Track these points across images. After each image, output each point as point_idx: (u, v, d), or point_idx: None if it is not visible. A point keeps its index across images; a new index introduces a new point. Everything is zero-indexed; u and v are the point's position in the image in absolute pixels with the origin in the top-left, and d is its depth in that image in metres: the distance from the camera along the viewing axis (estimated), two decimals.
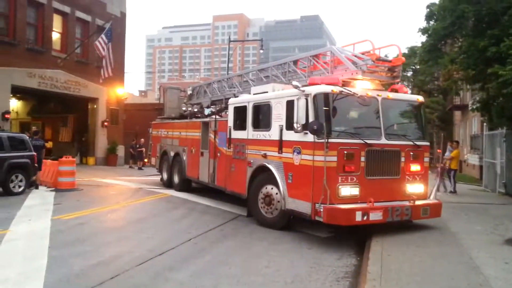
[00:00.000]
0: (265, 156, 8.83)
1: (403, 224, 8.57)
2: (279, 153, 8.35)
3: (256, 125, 9.40)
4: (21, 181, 12.89)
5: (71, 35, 22.99)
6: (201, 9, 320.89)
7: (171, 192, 13.81)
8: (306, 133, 7.48)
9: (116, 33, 23.24)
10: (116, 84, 25.53)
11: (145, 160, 22.06)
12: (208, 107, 13.69)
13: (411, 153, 8.13)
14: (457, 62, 16.03)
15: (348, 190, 7.35)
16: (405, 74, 42.04)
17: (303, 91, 7.61)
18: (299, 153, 7.79)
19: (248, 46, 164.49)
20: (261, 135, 9.10)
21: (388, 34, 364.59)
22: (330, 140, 7.18)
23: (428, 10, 16.86)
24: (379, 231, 7.92)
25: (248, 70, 13.78)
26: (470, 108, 21.31)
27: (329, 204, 7.09)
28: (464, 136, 29.93)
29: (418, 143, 8.27)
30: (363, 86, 8.20)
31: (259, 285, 5.45)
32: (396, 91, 8.55)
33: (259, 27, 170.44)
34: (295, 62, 10.49)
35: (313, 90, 7.61)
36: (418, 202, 7.96)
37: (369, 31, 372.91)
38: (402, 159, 8.00)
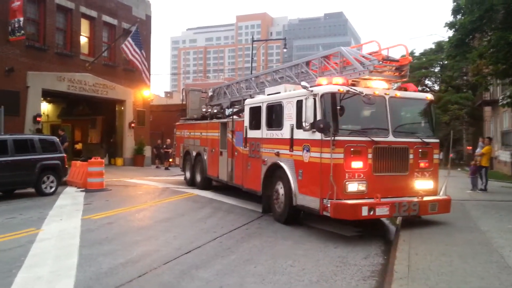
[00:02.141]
0: (277, 154, 9.21)
1: (432, 222, 8.48)
2: (290, 151, 8.69)
3: (270, 125, 9.78)
4: (52, 182, 13.30)
5: (98, 39, 23.51)
6: (225, 9, 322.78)
7: (197, 192, 13.96)
8: (314, 131, 7.75)
9: (142, 36, 23.60)
10: (143, 86, 25.95)
11: (170, 160, 22.44)
12: (228, 107, 13.92)
13: (420, 150, 8.24)
14: (486, 56, 15.59)
15: (355, 186, 7.54)
16: (432, 69, 41.26)
17: (311, 91, 7.91)
18: (308, 150, 8.07)
19: (271, 45, 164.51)
20: (274, 134, 9.49)
21: (414, 29, 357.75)
22: (336, 138, 7.41)
23: (455, 4, 16.42)
24: (406, 229, 7.84)
25: (264, 72, 14.25)
26: (500, 104, 20.69)
27: (336, 199, 7.30)
28: (495, 132, 29.07)
29: (427, 140, 8.39)
30: (372, 85, 8.37)
31: (284, 283, 5.45)
32: (405, 89, 8.75)
33: (282, 26, 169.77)
34: (307, 63, 10.73)
35: (320, 90, 7.87)
36: (426, 198, 8.07)
37: (394, 26, 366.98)
38: (411, 156, 8.12)
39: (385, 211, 7.52)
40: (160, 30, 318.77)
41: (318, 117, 7.70)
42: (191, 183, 15.51)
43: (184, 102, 17.37)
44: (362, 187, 7.58)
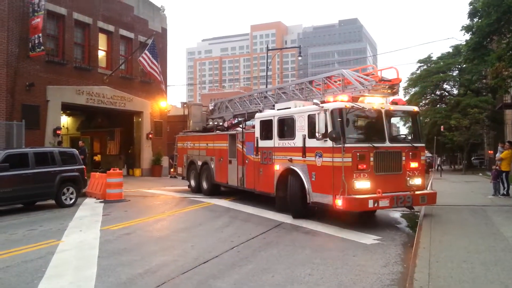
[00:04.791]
0: (291, 160, 10.49)
1: (452, 228, 8.34)
2: (303, 157, 10.02)
3: (281, 135, 11.10)
4: (72, 193, 13.51)
5: (116, 52, 23.93)
6: (239, 20, 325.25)
7: (214, 201, 14.01)
8: (326, 140, 9.13)
9: (158, 48, 23.97)
10: (159, 97, 26.29)
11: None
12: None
13: (410, 153, 9.72)
14: (505, 58, 15.33)
15: (361, 183, 8.94)
16: (451, 73, 40.65)
17: (322, 107, 9.32)
18: (320, 156, 9.43)
19: (286, 54, 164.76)
20: (286, 143, 10.81)
21: (430, 33, 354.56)
22: (345, 145, 8.82)
23: (471, 7, 16.23)
24: (426, 236, 7.71)
25: (268, 88, 16.40)
26: None
27: (347, 195, 8.65)
28: None
29: (415, 144, 9.92)
30: (370, 101, 9.77)
31: None
32: (396, 103, 10.20)
33: (297, 34, 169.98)
34: (311, 82, 12.34)
35: (330, 106, 9.28)
36: (417, 192, 9.51)
37: (410, 30, 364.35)
38: (403, 158, 9.60)
39: (386, 203, 8.97)
40: (176, 42, 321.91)
41: (329, 129, 9.05)
42: (196, 190, 16.52)
43: (185, 113, 18.35)
44: (367, 184, 8.96)
